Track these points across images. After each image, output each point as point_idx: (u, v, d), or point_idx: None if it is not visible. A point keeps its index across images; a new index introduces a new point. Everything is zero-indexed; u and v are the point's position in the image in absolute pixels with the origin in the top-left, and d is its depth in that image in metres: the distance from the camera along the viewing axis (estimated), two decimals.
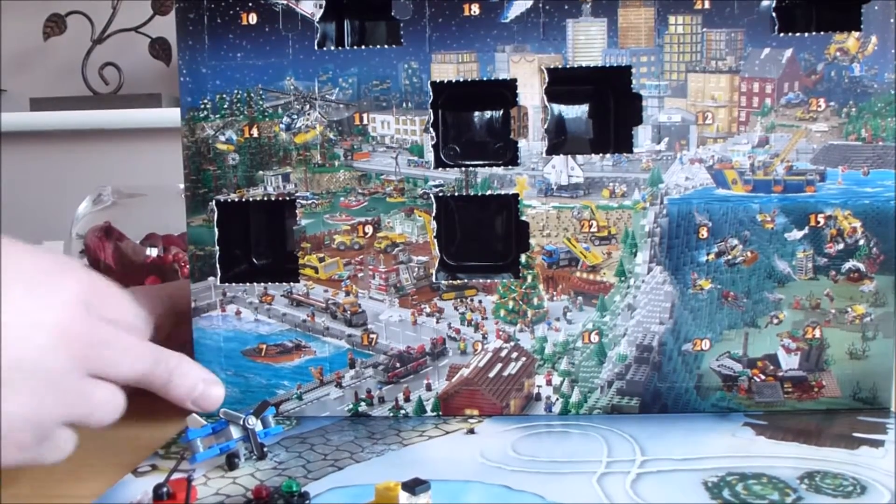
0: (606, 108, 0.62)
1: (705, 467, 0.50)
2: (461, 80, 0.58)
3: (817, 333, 0.59)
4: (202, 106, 0.59)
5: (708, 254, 0.59)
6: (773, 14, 0.57)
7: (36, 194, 1.73)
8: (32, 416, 0.42)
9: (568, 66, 0.58)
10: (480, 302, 0.60)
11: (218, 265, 0.60)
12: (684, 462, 0.51)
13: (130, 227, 0.89)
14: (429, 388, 0.61)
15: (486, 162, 0.60)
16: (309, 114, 0.59)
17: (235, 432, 0.52)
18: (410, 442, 0.56)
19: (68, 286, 0.44)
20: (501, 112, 0.62)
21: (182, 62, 0.59)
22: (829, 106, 0.58)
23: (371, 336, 0.61)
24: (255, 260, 0.65)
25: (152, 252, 0.87)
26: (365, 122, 0.59)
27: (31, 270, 0.43)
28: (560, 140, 0.63)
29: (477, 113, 0.62)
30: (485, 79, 0.58)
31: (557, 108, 0.62)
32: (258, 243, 0.65)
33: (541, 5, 0.58)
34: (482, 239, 0.63)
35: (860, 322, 0.59)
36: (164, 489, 0.45)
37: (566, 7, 0.57)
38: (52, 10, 1.69)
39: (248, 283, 0.61)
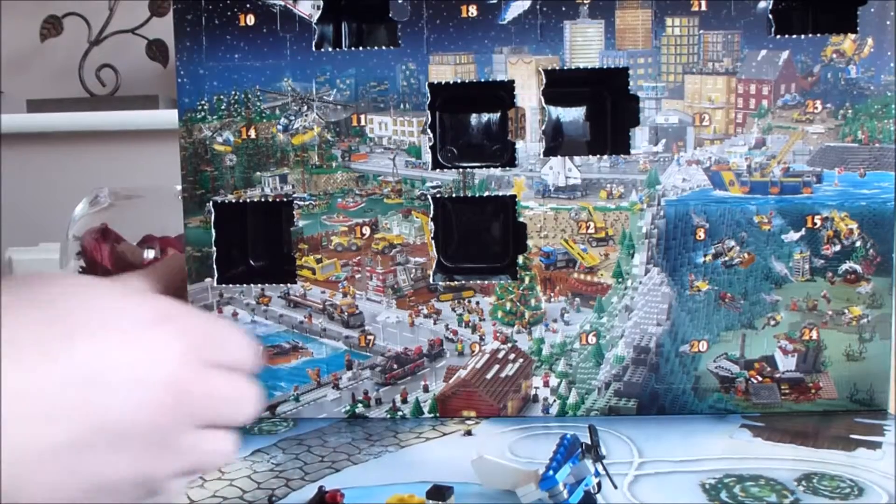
0: (604, 109, 0.62)
1: (703, 469, 0.50)
2: (459, 81, 0.58)
3: (814, 335, 0.59)
4: (199, 107, 0.59)
5: (705, 255, 0.59)
6: (770, 16, 0.57)
7: (33, 196, 1.72)
8: (145, 475, 0.40)
9: (565, 68, 0.58)
10: (478, 303, 0.60)
11: (215, 266, 0.60)
12: (682, 464, 0.51)
13: (127, 229, 0.89)
14: (426, 389, 0.61)
15: (483, 163, 0.60)
16: (307, 115, 0.59)
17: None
18: (408, 444, 0.56)
19: (175, 337, 0.41)
20: (499, 113, 0.62)
21: (179, 63, 0.59)
22: (826, 108, 0.58)
23: (368, 337, 0.61)
24: (251, 261, 0.65)
25: (149, 254, 0.87)
26: (363, 123, 0.59)
27: (134, 322, 0.40)
28: (557, 141, 0.63)
29: (474, 115, 0.62)
30: (482, 80, 0.58)
31: (555, 109, 0.62)
32: (255, 244, 0.64)
33: (538, 7, 0.58)
34: (480, 240, 0.63)
35: (857, 324, 0.59)
36: None
37: (563, 9, 0.57)
38: (49, 12, 1.69)
39: (245, 285, 0.61)
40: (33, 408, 0.36)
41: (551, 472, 0.42)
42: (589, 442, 0.45)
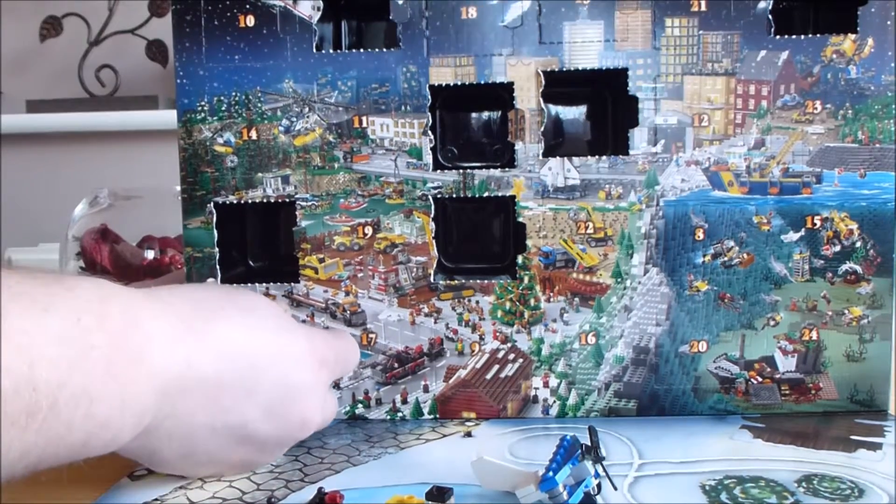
0: (603, 110, 0.62)
1: (703, 470, 0.50)
2: (459, 83, 0.58)
3: (814, 335, 0.59)
4: (199, 108, 0.59)
5: (704, 255, 0.59)
6: (770, 16, 0.57)
7: (32, 196, 1.72)
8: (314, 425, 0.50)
9: (564, 69, 0.58)
10: (478, 302, 0.60)
11: (218, 267, 0.60)
12: (682, 465, 0.51)
13: (127, 230, 0.89)
14: (426, 389, 0.61)
15: (483, 164, 0.60)
16: (308, 117, 0.59)
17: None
18: (407, 445, 0.56)
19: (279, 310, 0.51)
20: (499, 113, 0.62)
21: (178, 64, 0.59)
22: (826, 108, 0.58)
23: (370, 336, 0.61)
24: (251, 262, 0.65)
25: (149, 254, 0.87)
26: (364, 124, 0.60)
27: (265, 305, 0.50)
28: (557, 142, 0.63)
29: (474, 114, 0.62)
30: (482, 82, 0.58)
31: (555, 109, 0.62)
32: (254, 245, 0.64)
33: (538, 8, 0.58)
34: (480, 240, 0.63)
35: (857, 324, 0.59)
36: None
37: (563, 10, 0.58)
38: (49, 13, 1.69)
39: (247, 285, 0.61)
40: (189, 394, 0.43)
41: (551, 474, 0.42)
42: (589, 443, 0.45)
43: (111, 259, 0.85)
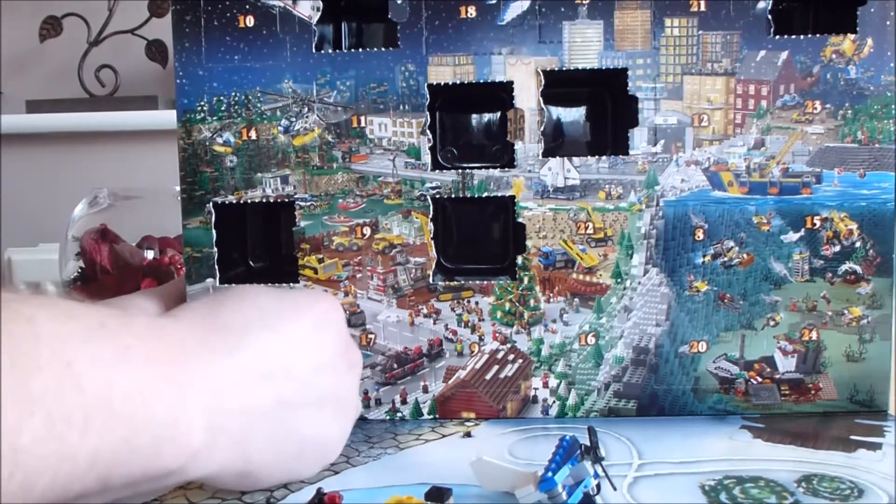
0: (603, 110, 0.62)
1: (702, 470, 0.50)
2: (458, 82, 0.58)
3: (814, 336, 0.59)
4: (199, 108, 0.59)
5: (704, 256, 0.59)
6: (769, 16, 0.57)
7: (32, 196, 1.72)
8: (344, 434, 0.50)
9: (564, 69, 0.58)
10: (477, 303, 0.60)
11: (217, 267, 0.60)
12: (681, 465, 0.51)
13: (126, 230, 0.89)
14: (425, 390, 0.61)
15: (482, 164, 0.60)
16: (307, 116, 0.59)
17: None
18: (407, 445, 0.56)
19: (314, 319, 0.48)
20: (499, 114, 0.62)
21: (178, 64, 0.59)
22: (825, 108, 0.58)
23: (369, 336, 0.61)
24: (251, 262, 0.65)
25: (148, 254, 0.87)
26: (363, 124, 0.59)
27: (283, 314, 0.47)
28: (557, 142, 0.63)
29: (474, 115, 0.62)
30: (481, 81, 0.58)
31: (555, 110, 0.62)
32: (255, 245, 0.64)
33: (537, 7, 0.58)
34: (479, 241, 0.63)
35: (857, 324, 0.59)
36: None
37: (562, 9, 0.57)
38: (48, 13, 1.68)
39: (247, 285, 0.61)
40: (245, 379, 0.42)
41: (550, 474, 0.42)
42: (588, 443, 0.45)
43: (111, 259, 0.85)
